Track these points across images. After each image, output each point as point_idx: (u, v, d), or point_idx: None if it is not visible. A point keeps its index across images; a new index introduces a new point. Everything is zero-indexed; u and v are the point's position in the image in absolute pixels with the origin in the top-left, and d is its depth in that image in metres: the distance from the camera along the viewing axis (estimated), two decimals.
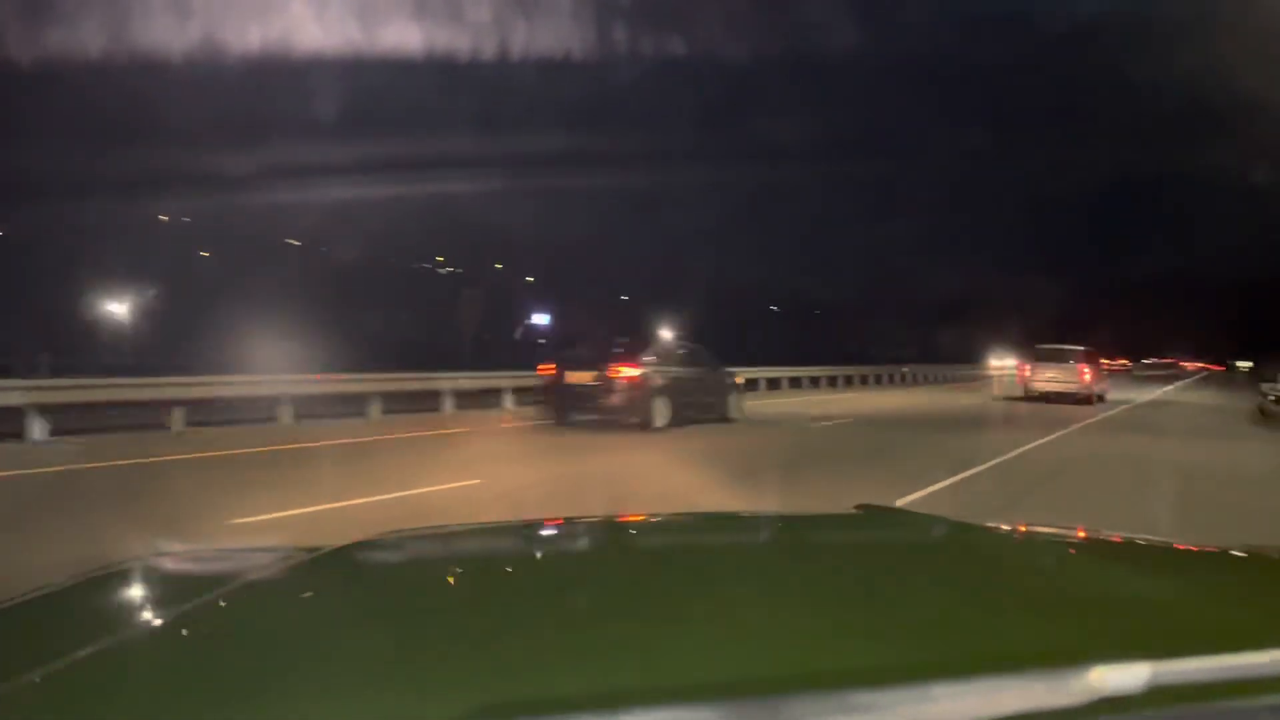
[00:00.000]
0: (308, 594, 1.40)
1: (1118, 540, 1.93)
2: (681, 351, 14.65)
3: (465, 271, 57.94)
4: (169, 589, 1.45)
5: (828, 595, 1.32)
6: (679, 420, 13.51)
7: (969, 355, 48.61)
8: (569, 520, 2.19)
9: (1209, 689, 0.80)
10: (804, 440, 13.57)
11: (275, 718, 0.84)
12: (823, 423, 15.69)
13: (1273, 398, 19.87)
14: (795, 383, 28.87)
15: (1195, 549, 1.84)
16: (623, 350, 13.60)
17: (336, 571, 1.48)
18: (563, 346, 14.01)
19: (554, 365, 13.74)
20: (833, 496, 7.55)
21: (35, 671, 0.93)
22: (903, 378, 36.45)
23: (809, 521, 2.37)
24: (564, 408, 13.44)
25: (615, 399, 13.07)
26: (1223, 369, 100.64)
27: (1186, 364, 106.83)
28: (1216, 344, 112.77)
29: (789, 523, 2.23)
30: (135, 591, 1.47)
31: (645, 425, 13.02)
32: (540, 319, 53.84)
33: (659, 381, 13.44)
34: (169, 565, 1.60)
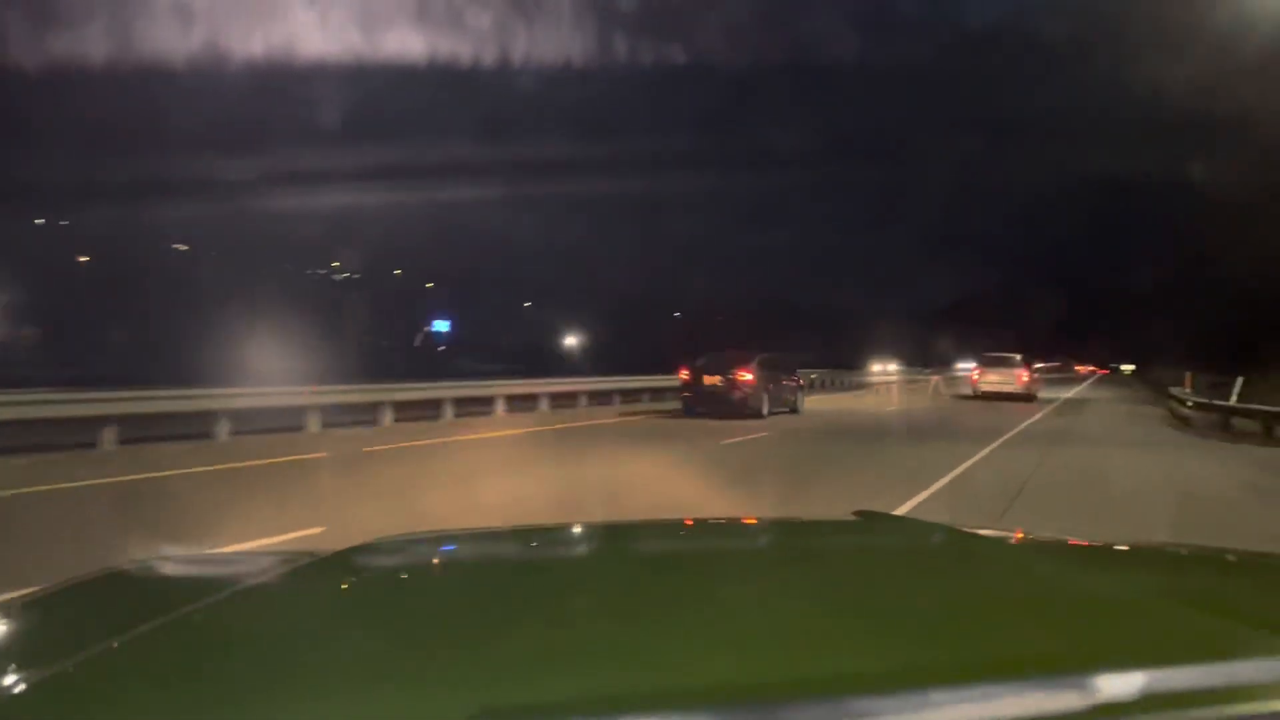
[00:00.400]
0: (306, 598, 1.39)
1: (1116, 546, 1.98)
2: (772, 360, 19.42)
3: (364, 277, 54.77)
4: (169, 592, 1.46)
5: (826, 601, 1.32)
6: (772, 412, 18.29)
7: (851, 361, 47.11)
8: (567, 525, 2.22)
9: (1205, 696, 0.79)
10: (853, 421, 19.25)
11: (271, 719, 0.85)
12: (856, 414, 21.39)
13: (1190, 404, 20.15)
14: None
15: (1193, 552, 1.88)
16: (741, 361, 18.19)
17: (335, 575, 1.49)
18: (695, 359, 19.17)
19: (690, 371, 18.64)
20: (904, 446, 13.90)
21: (34, 673, 0.95)
22: (811, 383, 35.54)
23: (807, 527, 2.40)
24: (698, 402, 17.97)
25: (738, 395, 17.74)
26: (1107, 372, 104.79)
27: (1078, 367, 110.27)
28: (1097, 347, 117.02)
29: (787, 528, 2.24)
30: (135, 594, 1.45)
31: (757, 414, 17.59)
32: (441, 325, 51.51)
33: (764, 384, 18.30)
34: (169, 568, 1.61)
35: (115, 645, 1.05)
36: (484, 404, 19.00)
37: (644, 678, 0.93)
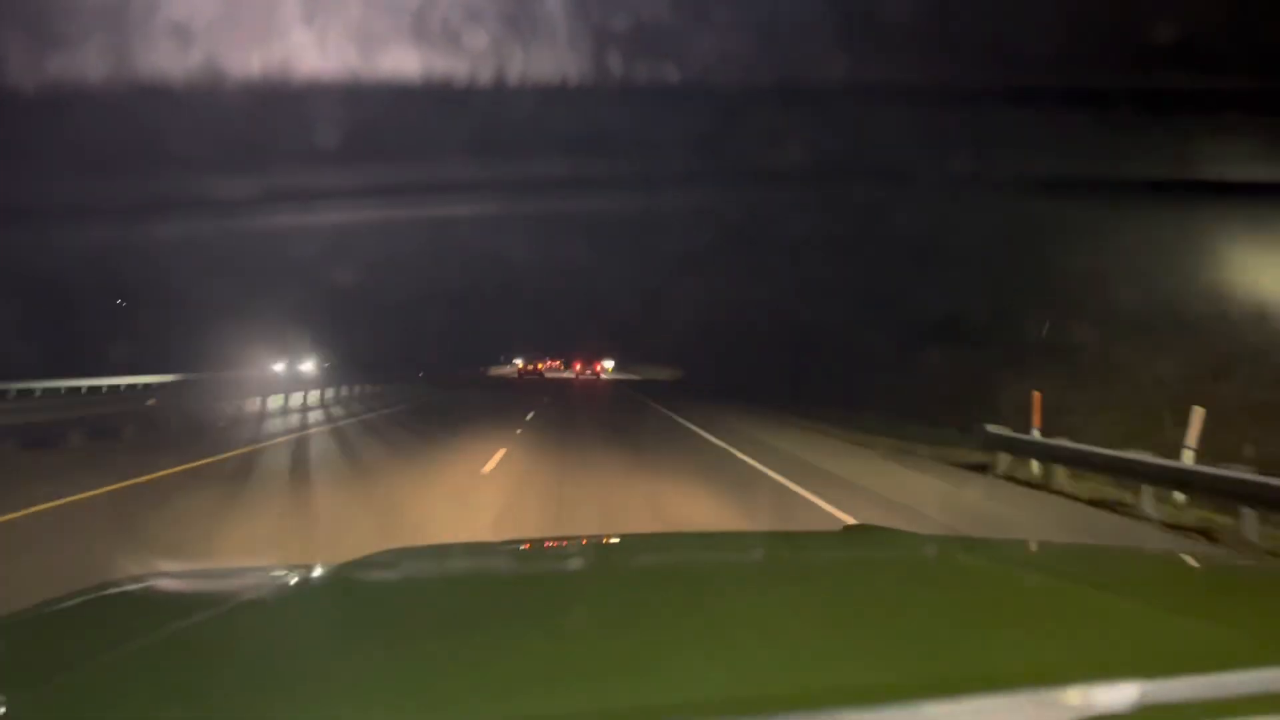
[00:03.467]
0: (306, 613, 1.37)
1: (1114, 551, 2.14)
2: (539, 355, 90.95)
3: None
4: (169, 606, 1.43)
5: (820, 614, 1.30)
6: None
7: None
8: (564, 539, 2.27)
9: (1198, 708, 0.78)
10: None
11: None
12: None
13: None
14: None
15: (1191, 559, 1.85)
16: (545, 359, 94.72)
17: (333, 590, 1.49)
18: (525, 358, 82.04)
19: (523, 364, 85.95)
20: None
21: (32, 687, 0.94)
22: None
23: (802, 540, 2.50)
24: (526, 376, 75.04)
25: (538, 374, 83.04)
26: (599, 371, 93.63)
27: (575, 364, 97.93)
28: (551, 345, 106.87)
29: (782, 541, 2.33)
30: (133, 609, 1.42)
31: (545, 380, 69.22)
32: None
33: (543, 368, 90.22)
34: (169, 583, 1.57)
35: (112, 660, 1.03)
36: None
37: (642, 691, 0.92)
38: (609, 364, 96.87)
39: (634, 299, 77.23)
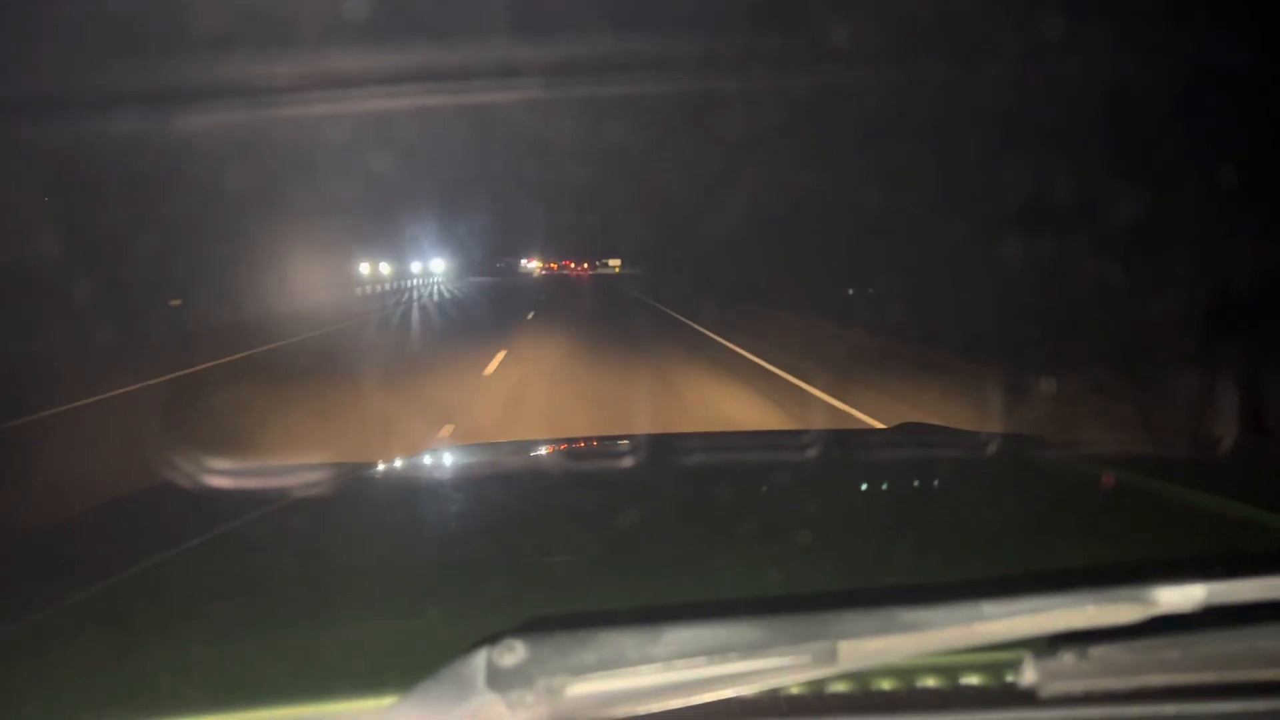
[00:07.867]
0: (357, 510, 1.39)
1: (1173, 454, 2.03)
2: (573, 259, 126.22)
3: None
4: (221, 503, 1.49)
5: (875, 512, 1.32)
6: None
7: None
8: (615, 438, 2.15)
9: (1265, 609, 0.77)
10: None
11: (325, 629, 0.84)
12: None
13: None
14: None
15: (1256, 461, 2.08)
16: (554, 261, 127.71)
17: (385, 487, 1.51)
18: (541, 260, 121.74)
19: (541, 264, 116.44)
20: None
21: (92, 582, 0.97)
22: None
23: (854, 438, 2.44)
24: (544, 272, 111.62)
25: (553, 271, 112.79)
26: (588, 271, 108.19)
27: (569, 265, 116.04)
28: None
29: (834, 439, 2.20)
30: (189, 506, 1.48)
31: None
32: None
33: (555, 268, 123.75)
34: (222, 480, 1.64)
35: (168, 557, 1.08)
36: None
37: (692, 589, 0.93)
38: (614, 261, 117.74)
39: (671, 192, 72.69)
